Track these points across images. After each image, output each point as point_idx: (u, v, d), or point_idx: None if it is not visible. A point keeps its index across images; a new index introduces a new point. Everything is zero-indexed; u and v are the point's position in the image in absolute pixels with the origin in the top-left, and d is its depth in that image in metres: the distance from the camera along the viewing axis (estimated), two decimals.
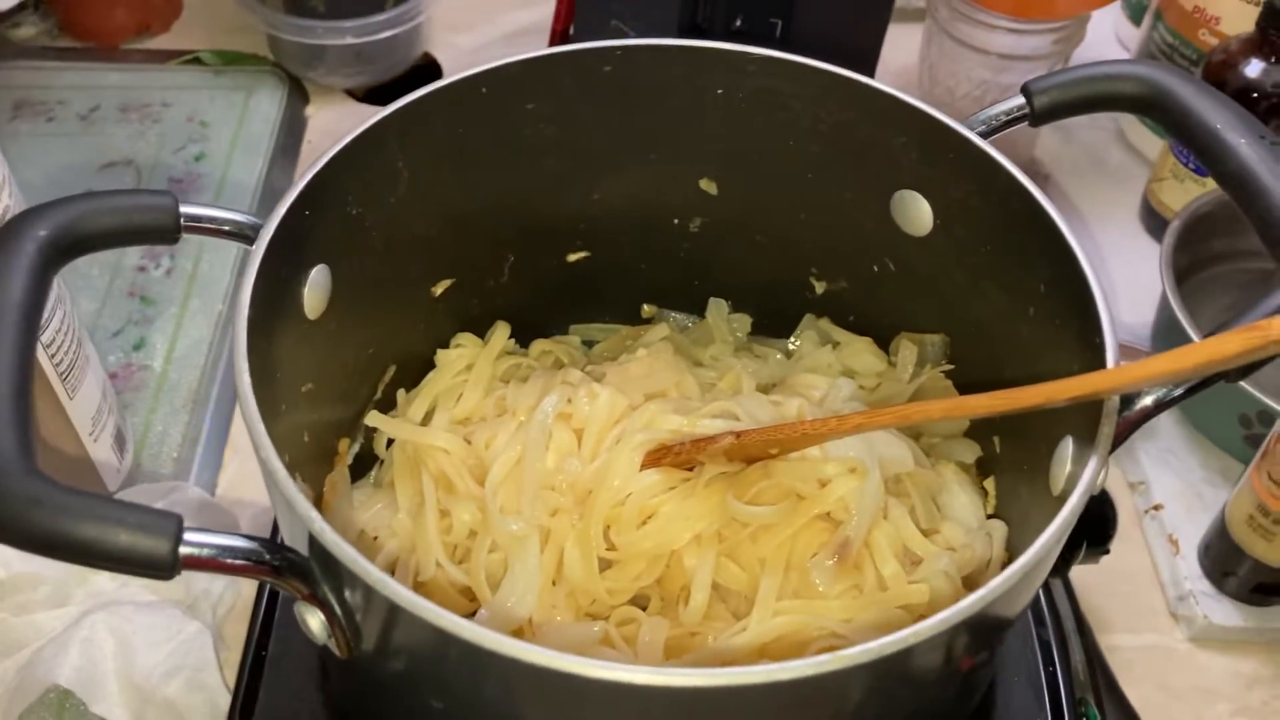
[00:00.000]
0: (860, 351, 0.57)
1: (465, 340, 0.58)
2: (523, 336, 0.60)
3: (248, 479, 0.67)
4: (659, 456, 0.49)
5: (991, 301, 0.49)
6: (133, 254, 0.76)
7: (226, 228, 0.43)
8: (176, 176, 0.82)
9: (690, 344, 0.61)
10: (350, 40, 0.85)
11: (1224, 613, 0.62)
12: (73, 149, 0.83)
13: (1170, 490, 0.67)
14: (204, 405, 0.69)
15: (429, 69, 0.92)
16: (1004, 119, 0.48)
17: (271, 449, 0.36)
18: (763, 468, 0.48)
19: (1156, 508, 0.67)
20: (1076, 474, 0.39)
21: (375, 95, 0.90)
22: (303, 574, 0.36)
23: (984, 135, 0.47)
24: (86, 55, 0.91)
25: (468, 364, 0.57)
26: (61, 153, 0.82)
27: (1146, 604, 0.64)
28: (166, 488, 0.61)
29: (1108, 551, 0.61)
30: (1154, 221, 0.80)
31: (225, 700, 0.54)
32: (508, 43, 0.95)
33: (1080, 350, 0.42)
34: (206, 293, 0.75)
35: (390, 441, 0.55)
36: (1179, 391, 0.40)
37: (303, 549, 0.36)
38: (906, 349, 0.55)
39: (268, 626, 0.54)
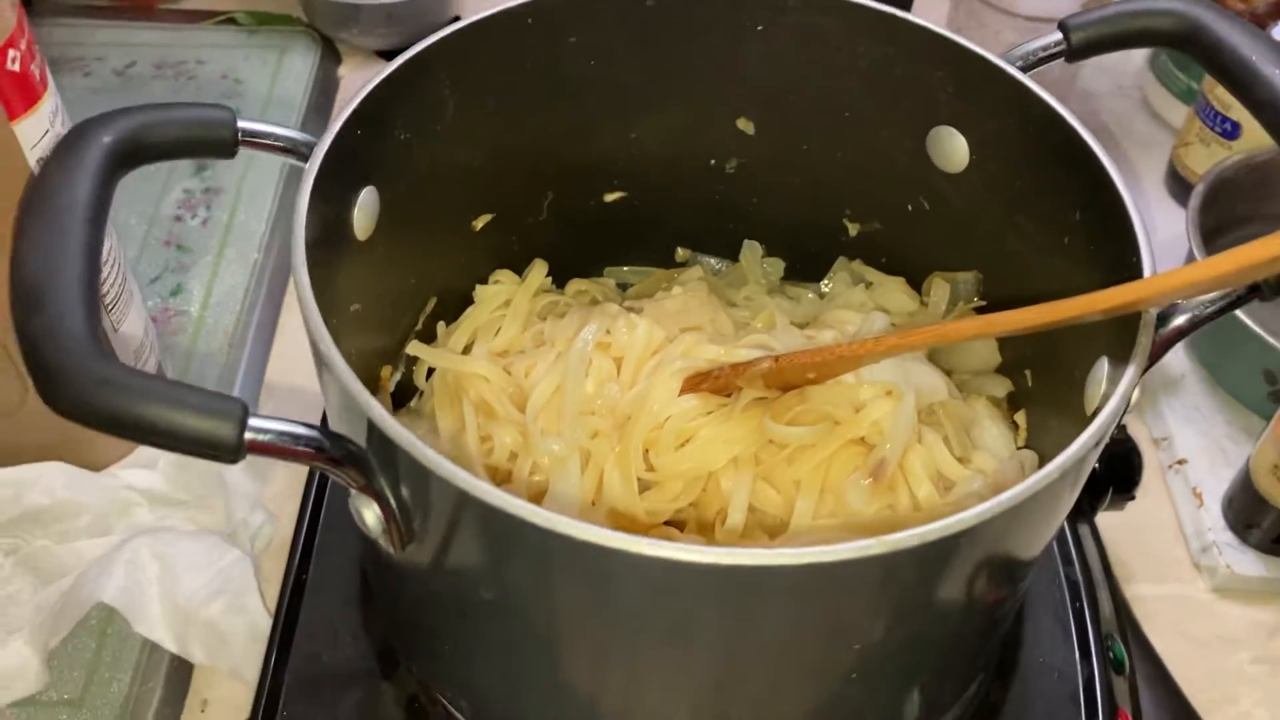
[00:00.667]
0: (892, 290, 0.58)
1: (503, 276, 0.59)
2: (558, 278, 0.61)
3: None
4: (697, 382, 0.50)
5: (1026, 233, 0.50)
6: (169, 205, 0.77)
7: (281, 143, 0.44)
8: None
9: (724, 285, 0.62)
10: (383, 1, 0.86)
11: (1247, 563, 0.62)
12: (109, 104, 0.82)
13: (1194, 446, 0.68)
14: (240, 349, 0.70)
15: None
16: (1041, 54, 0.48)
17: (330, 340, 0.37)
18: (799, 394, 0.49)
19: (1180, 462, 0.68)
20: (1111, 390, 0.40)
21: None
22: (360, 464, 0.37)
23: (1022, 71, 0.48)
24: (122, 14, 0.92)
25: (505, 300, 0.58)
26: (98, 107, 0.81)
27: (1170, 555, 0.65)
28: None
29: (1133, 497, 0.62)
30: (1179, 187, 0.81)
31: (266, 624, 0.55)
32: None
33: (1116, 272, 0.42)
34: (242, 242, 0.76)
35: (430, 372, 0.56)
36: (1214, 307, 0.41)
37: (360, 440, 0.37)
38: (939, 287, 0.55)
39: (308, 554, 0.55)
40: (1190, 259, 0.69)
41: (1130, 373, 0.38)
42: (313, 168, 0.42)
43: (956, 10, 0.83)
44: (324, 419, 0.55)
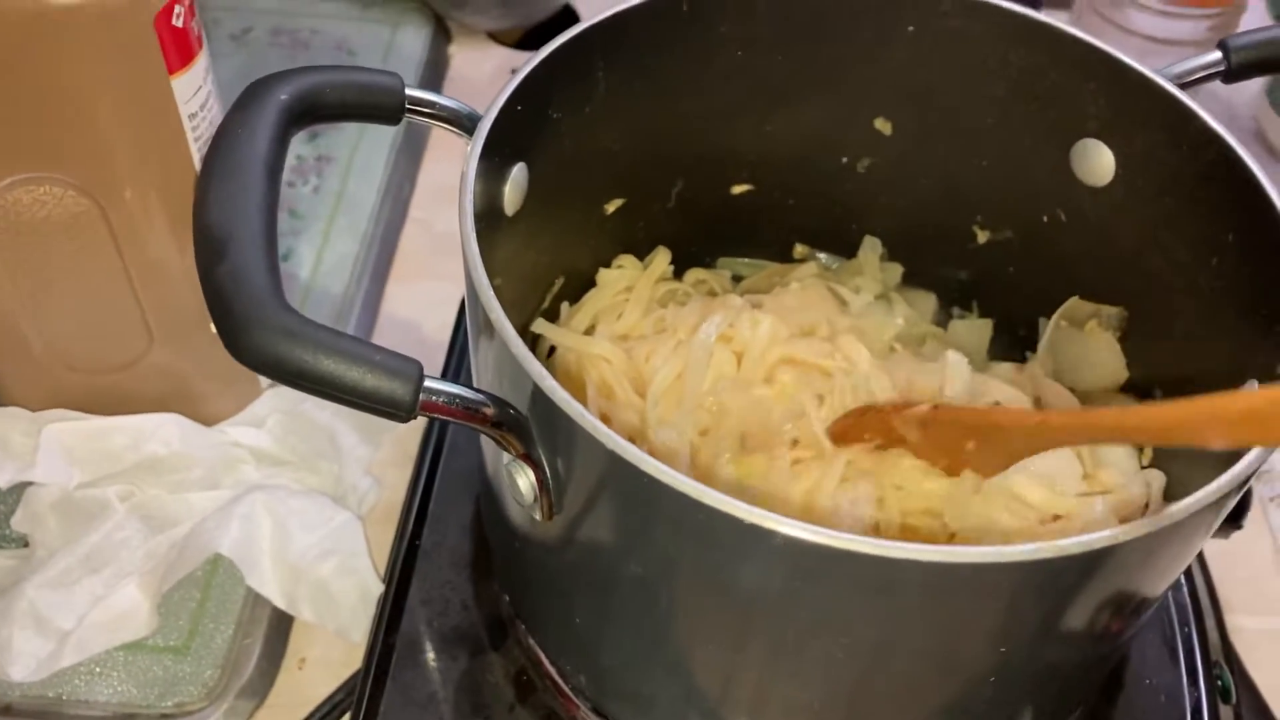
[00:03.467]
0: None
1: (626, 262, 0.59)
2: (674, 265, 0.61)
3: None
4: (847, 428, 0.49)
5: (1169, 252, 0.49)
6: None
7: (445, 114, 0.44)
8: None
9: (837, 279, 0.62)
10: None
11: None
12: (226, 68, 0.85)
13: None
14: (348, 316, 0.71)
15: (568, 18, 0.93)
16: (1199, 73, 0.48)
17: (499, 308, 0.37)
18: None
19: None
20: None
21: (519, 42, 0.91)
22: (520, 431, 0.37)
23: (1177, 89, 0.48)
24: None
25: (628, 284, 0.58)
26: (216, 71, 0.85)
27: (1269, 589, 0.64)
28: None
29: (1240, 527, 0.61)
30: None
31: (375, 585, 0.55)
32: None
33: (1273, 293, 0.42)
34: (353, 212, 0.76)
35: (551, 351, 0.56)
36: None
37: (521, 406, 0.37)
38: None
39: (421, 520, 0.56)
40: None
41: None
42: (478, 140, 0.42)
43: (1076, 26, 0.83)
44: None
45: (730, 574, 0.35)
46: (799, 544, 0.32)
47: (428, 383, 0.35)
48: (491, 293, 0.37)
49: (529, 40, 0.91)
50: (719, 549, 0.35)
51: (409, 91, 0.43)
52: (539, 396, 0.36)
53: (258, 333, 0.34)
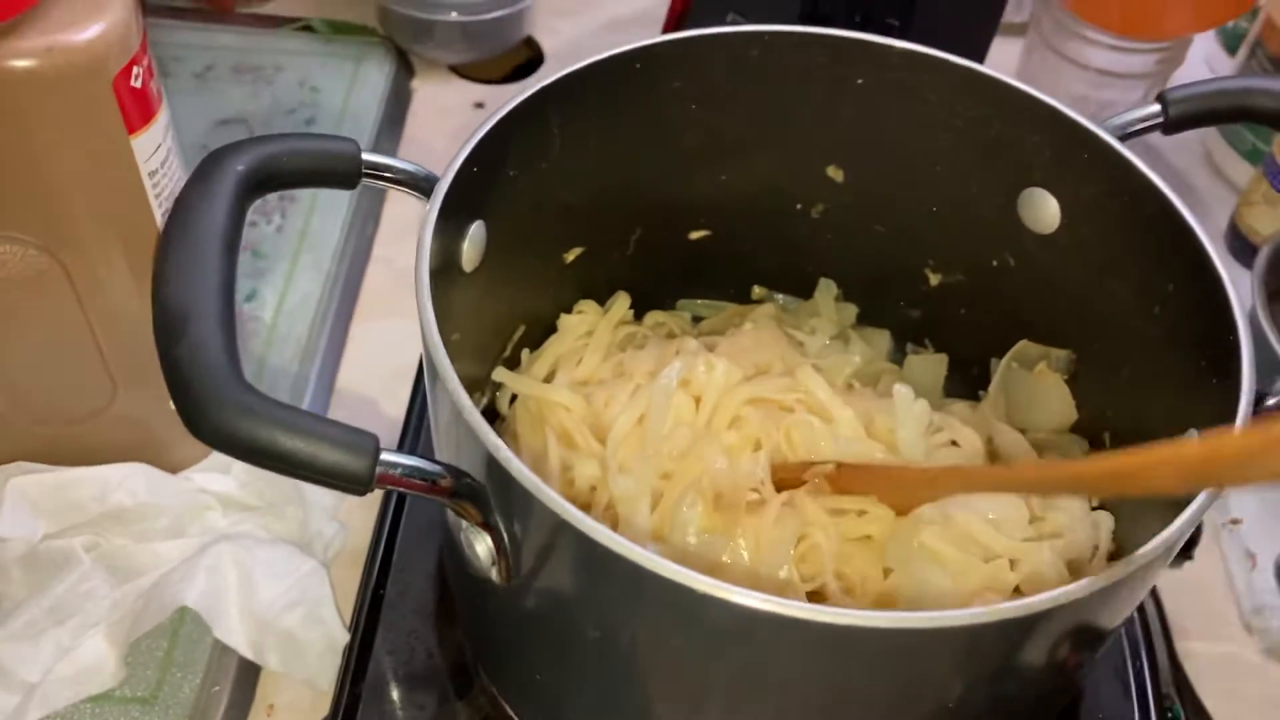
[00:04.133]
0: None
1: (586, 307, 0.60)
2: (634, 308, 0.62)
3: None
4: (775, 471, 0.51)
5: (1115, 298, 0.50)
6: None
7: (401, 178, 0.45)
8: None
9: (791, 320, 0.63)
10: (458, 18, 0.87)
11: None
12: (188, 105, 0.86)
13: (1248, 506, 0.69)
14: (312, 357, 0.71)
15: (531, 51, 0.94)
16: (1139, 125, 0.49)
17: (458, 383, 0.38)
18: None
19: (1234, 522, 0.68)
20: None
21: (477, 72, 0.92)
22: (478, 500, 0.38)
23: (1118, 140, 0.49)
24: (201, 16, 0.93)
25: (588, 329, 0.59)
26: (178, 108, 0.83)
27: (1221, 614, 0.65)
28: None
29: (1191, 558, 0.63)
30: (1240, 245, 0.82)
31: (341, 635, 0.56)
32: (609, 30, 0.97)
33: (1210, 346, 0.43)
34: (317, 249, 0.77)
35: (513, 398, 0.57)
36: None
37: (478, 475, 0.38)
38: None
39: (385, 568, 0.56)
40: (1253, 315, 0.69)
41: None
42: (435, 203, 0.43)
43: (1029, 59, 0.84)
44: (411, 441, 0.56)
45: (685, 637, 0.36)
46: (750, 611, 0.33)
47: (384, 456, 0.35)
48: (451, 369, 0.38)
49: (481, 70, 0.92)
50: (674, 614, 0.35)
51: (365, 156, 0.44)
52: (494, 466, 0.36)
53: (216, 410, 0.34)
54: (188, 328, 0.35)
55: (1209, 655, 0.63)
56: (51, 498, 0.58)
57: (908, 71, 0.52)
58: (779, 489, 0.51)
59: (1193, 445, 0.37)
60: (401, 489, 0.36)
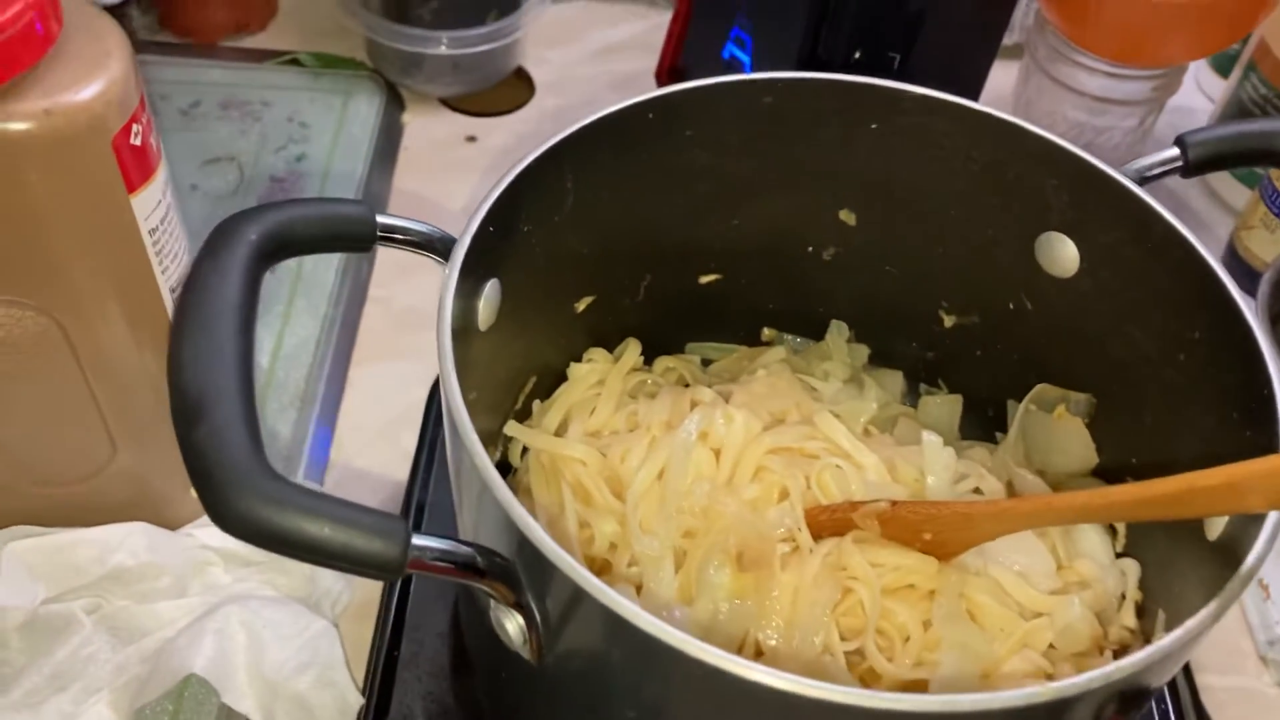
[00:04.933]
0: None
1: (597, 355, 0.59)
2: (644, 352, 0.61)
3: (353, 477, 0.68)
4: (817, 514, 0.50)
5: (1136, 345, 0.50)
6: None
7: (417, 239, 0.44)
8: (278, 176, 0.83)
9: (803, 363, 0.62)
10: (448, 51, 0.86)
11: None
12: (176, 143, 0.84)
13: None
14: (311, 404, 0.70)
15: (522, 82, 0.93)
16: (1158, 169, 0.49)
17: (487, 460, 0.37)
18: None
19: None
20: (1243, 523, 0.40)
21: (468, 104, 0.91)
22: (509, 579, 0.37)
23: (1136, 184, 0.49)
24: (186, 51, 0.92)
25: (599, 378, 0.58)
26: (165, 146, 0.83)
27: (1235, 646, 0.65)
28: None
29: None
30: (1238, 267, 0.82)
31: (354, 698, 0.54)
32: (599, 59, 0.96)
33: (1243, 398, 0.43)
34: (312, 293, 0.76)
35: (525, 450, 0.56)
36: None
37: (507, 553, 0.37)
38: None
39: (399, 628, 0.55)
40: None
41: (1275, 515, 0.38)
42: (454, 267, 0.42)
43: (1025, 85, 0.84)
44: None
45: (724, 718, 0.35)
46: (791, 697, 0.32)
47: (415, 540, 0.34)
48: (479, 444, 0.37)
49: (484, 105, 0.91)
50: (713, 697, 0.35)
51: (380, 219, 0.43)
52: (525, 544, 0.35)
53: (240, 499, 0.33)
54: (207, 413, 0.34)
55: (1225, 689, 0.63)
56: (50, 561, 0.57)
57: (922, 116, 0.51)
58: (817, 535, 0.49)
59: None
60: (432, 572, 0.35)
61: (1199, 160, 0.48)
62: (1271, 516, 0.38)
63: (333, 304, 0.75)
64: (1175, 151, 0.49)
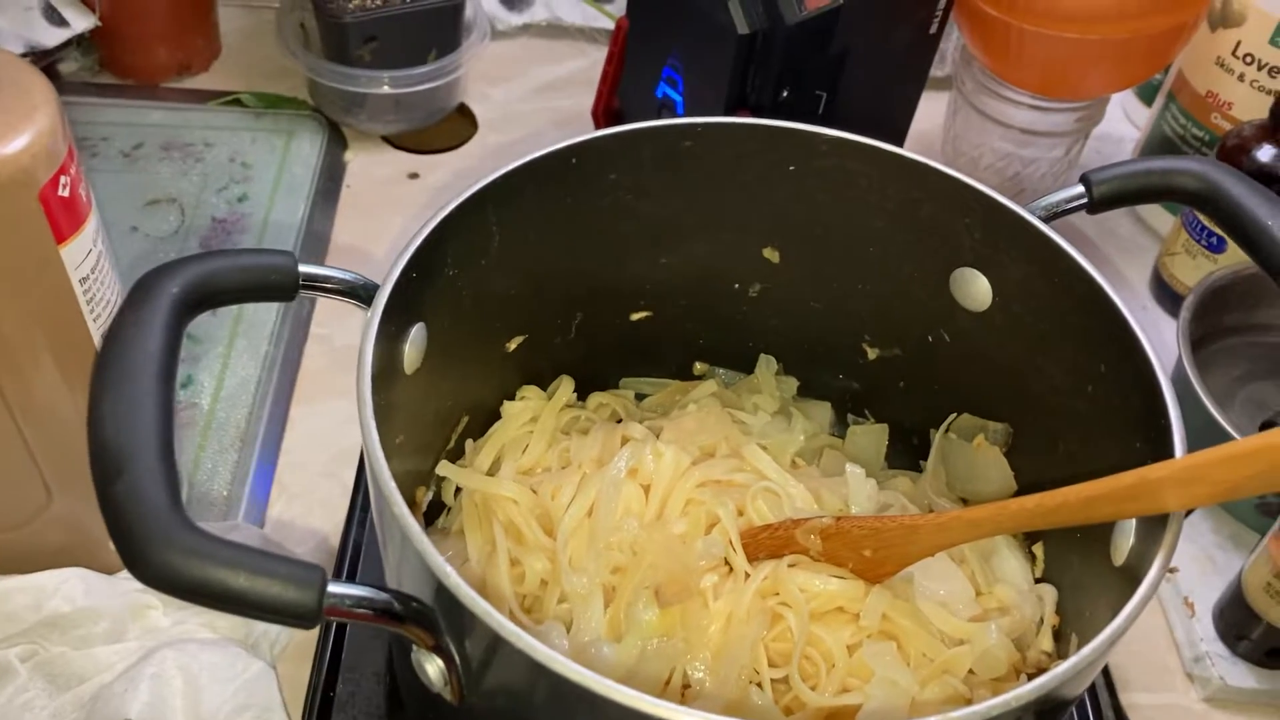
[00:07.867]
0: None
1: (529, 393, 0.60)
2: (578, 389, 0.62)
3: (295, 518, 0.68)
4: (755, 533, 0.51)
5: (1048, 376, 0.52)
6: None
7: (340, 287, 0.45)
8: (220, 216, 0.83)
9: (734, 396, 0.63)
10: (390, 90, 0.87)
11: (1238, 675, 0.64)
12: (117, 185, 0.85)
13: (1184, 554, 0.70)
14: (251, 444, 0.71)
15: (465, 118, 0.94)
16: (1064, 206, 0.51)
17: (406, 510, 0.37)
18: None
19: (1172, 570, 0.70)
20: (1143, 550, 0.42)
21: (411, 141, 0.92)
22: (428, 624, 0.37)
23: (1044, 220, 0.50)
24: (128, 92, 0.92)
25: (532, 416, 0.59)
26: (106, 188, 0.84)
27: (1162, 664, 0.67)
28: (228, 526, 0.62)
29: None
30: (1163, 291, 0.84)
31: None
32: (540, 95, 0.97)
33: (1144, 428, 0.44)
34: (253, 333, 0.76)
35: (458, 490, 0.57)
36: None
37: (426, 598, 0.38)
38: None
39: (334, 669, 0.56)
40: (1179, 367, 0.71)
41: (1168, 538, 0.40)
42: (375, 312, 0.43)
43: (953, 119, 0.86)
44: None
45: None
46: None
47: (331, 588, 0.35)
48: (399, 496, 0.38)
49: (427, 142, 0.92)
50: None
51: (303, 269, 0.44)
52: (442, 591, 0.36)
53: (158, 552, 0.34)
54: (126, 467, 0.35)
55: (1152, 706, 0.65)
56: None
57: (837, 157, 0.53)
58: (754, 556, 0.51)
59: (1186, 459, 0.40)
60: (349, 619, 0.35)
61: (1103, 197, 0.50)
62: (1165, 544, 0.40)
63: (274, 343, 0.76)
64: (1080, 189, 0.50)
